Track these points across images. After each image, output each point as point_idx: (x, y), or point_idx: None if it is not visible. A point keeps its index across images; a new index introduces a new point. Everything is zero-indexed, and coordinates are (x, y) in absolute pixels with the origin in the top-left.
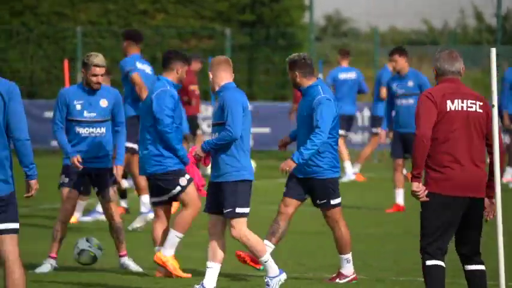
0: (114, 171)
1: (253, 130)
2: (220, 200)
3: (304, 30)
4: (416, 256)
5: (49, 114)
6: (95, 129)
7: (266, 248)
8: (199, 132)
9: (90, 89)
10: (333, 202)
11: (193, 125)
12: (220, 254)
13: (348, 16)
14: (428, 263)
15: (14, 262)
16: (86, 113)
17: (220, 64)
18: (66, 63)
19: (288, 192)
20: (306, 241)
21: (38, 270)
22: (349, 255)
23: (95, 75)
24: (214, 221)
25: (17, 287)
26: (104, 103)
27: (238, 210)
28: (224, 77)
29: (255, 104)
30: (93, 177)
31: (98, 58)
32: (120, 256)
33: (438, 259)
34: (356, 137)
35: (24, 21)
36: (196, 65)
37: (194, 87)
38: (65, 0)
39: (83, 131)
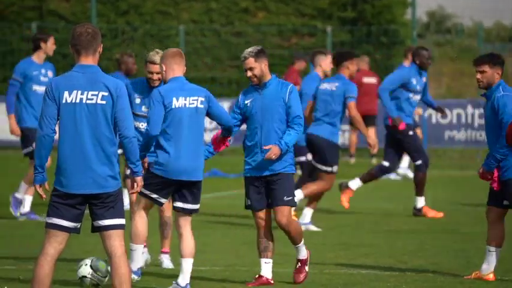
0: None
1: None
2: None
3: (407, 27)
4: None
5: None
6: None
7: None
8: None
9: (151, 86)
10: (295, 199)
11: None
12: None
13: (451, 12)
14: None
15: (120, 257)
16: (144, 108)
17: (175, 57)
18: None
19: (259, 204)
20: (405, 240)
21: (165, 266)
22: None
23: (150, 73)
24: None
25: (123, 283)
26: None
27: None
28: (176, 70)
29: None
30: None
31: (156, 56)
32: (162, 252)
33: None
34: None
35: (128, 20)
36: (300, 64)
37: (297, 88)
38: None
39: (138, 125)
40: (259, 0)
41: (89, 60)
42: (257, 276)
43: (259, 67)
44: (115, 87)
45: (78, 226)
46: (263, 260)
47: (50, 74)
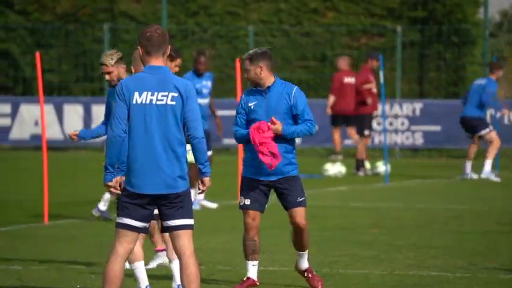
0: None
1: (424, 128)
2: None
3: (478, 26)
4: None
5: (222, 112)
6: None
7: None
8: (366, 132)
9: None
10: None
11: (365, 124)
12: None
13: None
14: None
15: (189, 257)
16: None
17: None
18: (238, 62)
19: (254, 205)
20: (477, 241)
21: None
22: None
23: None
24: None
25: (192, 283)
26: None
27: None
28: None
29: (425, 102)
30: None
31: (104, 54)
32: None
33: None
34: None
35: (198, 21)
36: (372, 63)
37: (371, 86)
38: (237, 0)
39: None
40: (329, 0)
41: (159, 61)
42: (245, 278)
43: (253, 70)
44: (184, 88)
45: (147, 226)
46: (251, 263)
47: (209, 83)
